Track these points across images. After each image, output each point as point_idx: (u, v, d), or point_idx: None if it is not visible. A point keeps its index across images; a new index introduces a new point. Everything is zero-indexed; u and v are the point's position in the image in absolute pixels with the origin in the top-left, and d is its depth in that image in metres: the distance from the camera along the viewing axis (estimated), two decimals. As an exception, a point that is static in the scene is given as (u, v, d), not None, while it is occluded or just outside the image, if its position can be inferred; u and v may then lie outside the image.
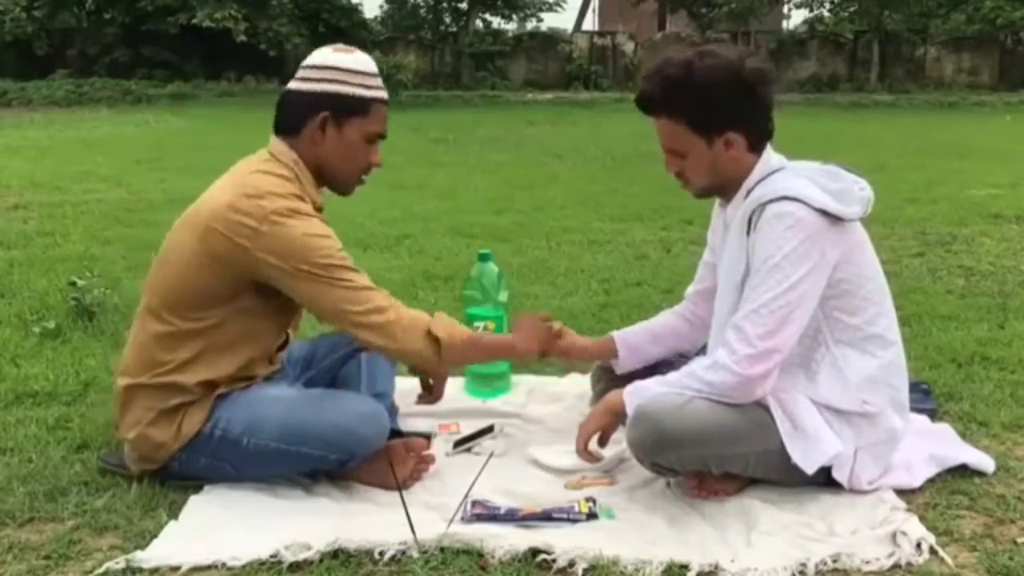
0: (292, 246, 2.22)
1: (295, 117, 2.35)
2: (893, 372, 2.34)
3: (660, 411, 2.24)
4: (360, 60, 2.37)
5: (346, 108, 2.33)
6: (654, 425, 2.23)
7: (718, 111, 2.27)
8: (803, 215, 2.19)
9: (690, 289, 2.74)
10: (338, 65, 2.34)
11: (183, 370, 2.30)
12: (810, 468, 2.22)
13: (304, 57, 2.42)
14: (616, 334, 2.73)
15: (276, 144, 2.38)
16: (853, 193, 2.27)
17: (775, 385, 2.26)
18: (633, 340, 2.71)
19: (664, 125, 2.33)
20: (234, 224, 2.23)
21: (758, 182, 2.31)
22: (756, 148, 2.33)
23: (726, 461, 2.28)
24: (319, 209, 2.39)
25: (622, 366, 2.70)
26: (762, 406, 2.25)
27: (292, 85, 2.38)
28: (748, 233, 2.27)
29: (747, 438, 2.24)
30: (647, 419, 2.24)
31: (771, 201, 2.22)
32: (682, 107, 2.28)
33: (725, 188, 2.39)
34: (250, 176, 2.32)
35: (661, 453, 2.25)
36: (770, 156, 2.35)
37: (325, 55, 2.37)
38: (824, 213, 2.20)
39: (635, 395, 2.31)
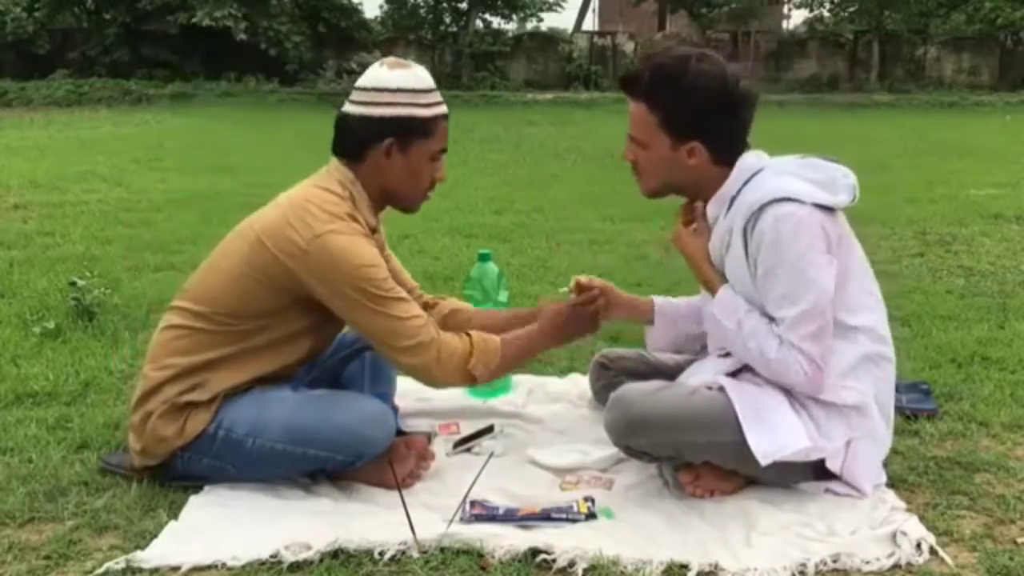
0: (336, 271, 2.21)
1: (357, 144, 2.32)
2: (882, 367, 2.33)
3: (633, 394, 2.29)
4: (419, 77, 2.32)
5: (411, 132, 2.29)
6: (627, 408, 2.27)
7: (695, 118, 2.25)
8: (803, 214, 2.19)
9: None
10: (399, 87, 2.28)
11: (209, 369, 2.31)
12: (764, 459, 2.20)
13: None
14: (656, 300, 2.67)
15: (335, 163, 2.36)
16: (838, 182, 2.27)
17: (748, 376, 2.30)
18: (670, 311, 2.64)
19: (638, 111, 2.31)
20: (283, 242, 2.23)
21: (741, 188, 2.29)
22: (721, 162, 2.30)
23: (700, 449, 2.28)
24: (374, 231, 2.38)
25: (655, 337, 2.66)
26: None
27: (351, 109, 2.32)
28: (746, 242, 2.25)
29: (720, 427, 2.23)
30: (620, 402, 2.28)
31: (765, 205, 2.20)
32: (662, 100, 2.26)
33: (680, 191, 2.40)
34: (306, 191, 2.31)
35: (632, 436, 2.28)
36: (745, 160, 2.31)
37: (382, 76, 2.30)
38: (818, 205, 2.20)
39: (716, 305, 2.31)
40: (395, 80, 2.29)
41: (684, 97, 2.23)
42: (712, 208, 2.35)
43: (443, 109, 2.36)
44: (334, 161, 2.37)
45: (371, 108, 2.29)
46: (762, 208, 2.21)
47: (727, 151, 2.30)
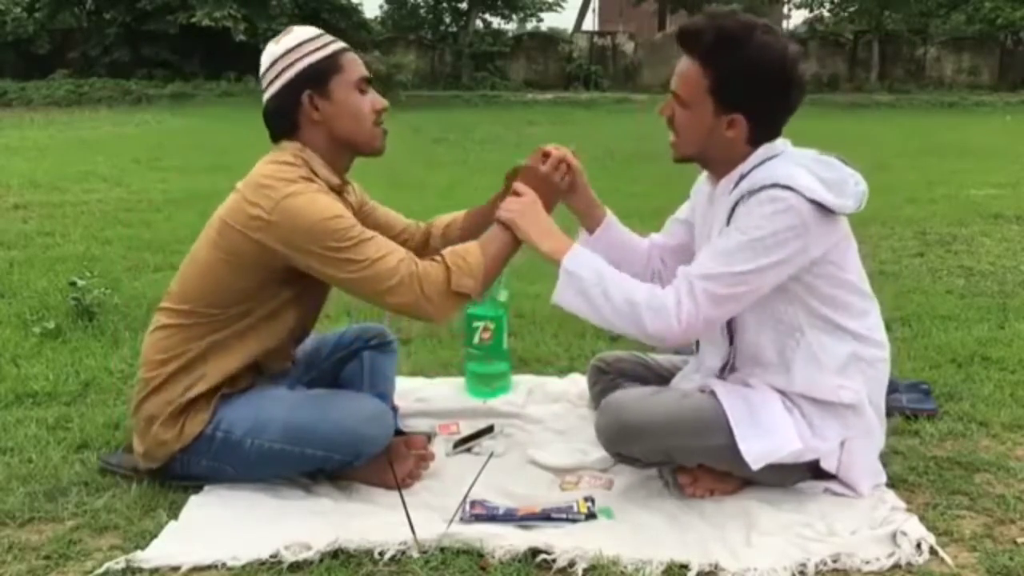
0: (301, 231, 2.20)
1: (284, 118, 2.33)
2: (875, 367, 2.30)
3: (624, 400, 2.28)
4: (302, 32, 2.35)
5: (319, 75, 2.30)
6: (617, 415, 2.25)
7: (747, 90, 2.17)
8: (796, 203, 2.12)
9: (657, 238, 2.63)
10: (287, 48, 2.31)
11: (203, 360, 2.32)
12: (756, 464, 2.19)
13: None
14: (609, 217, 2.60)
15: (282, 143, 2.37)
16: (848, 186, 2.20)
17: (738, 378, 2.27)
18: (613, 236, 2.58)
19: (690, 68, 2.20)
20: (246, 218, 2.24)
21: (753, 168, 2.23)
22: (755, 142, 2.24)
23: (693, 453, 2.27)
24: (340, 190, 2.38)
25: (585, 246, 2.50)
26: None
27: (264, 97, 2.35)
28: (732, 214, 2.20)
29: (712, 431, 2.22)
30: (611, 408, 2.27)
31: (763, 188, 2.15)
32: (719, 65, 2.16)
33: (709, 163, 2.33)
34: (259, 170, 2.32)
35: (624, 442, 2.27)
36: (772, 145, 2.25)
37: (271, 51, 2.35)
38: (817, 205, 2.13)
39: (572, 261, 2.27)
40: (282, 47, 2.32)
41: (742, 67, 2.15)
42: (723, 186, 2.29)
43: (340, 45, 2.37)
44: (282, 142, 2.37)
45: (276, 82, 2.31)
46: (762, 188, 2.16)
47: (764, 132, 2.24)
